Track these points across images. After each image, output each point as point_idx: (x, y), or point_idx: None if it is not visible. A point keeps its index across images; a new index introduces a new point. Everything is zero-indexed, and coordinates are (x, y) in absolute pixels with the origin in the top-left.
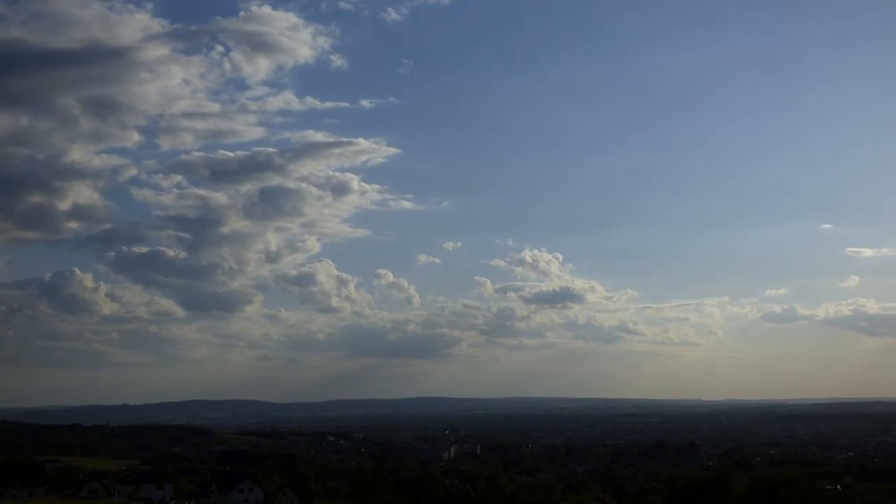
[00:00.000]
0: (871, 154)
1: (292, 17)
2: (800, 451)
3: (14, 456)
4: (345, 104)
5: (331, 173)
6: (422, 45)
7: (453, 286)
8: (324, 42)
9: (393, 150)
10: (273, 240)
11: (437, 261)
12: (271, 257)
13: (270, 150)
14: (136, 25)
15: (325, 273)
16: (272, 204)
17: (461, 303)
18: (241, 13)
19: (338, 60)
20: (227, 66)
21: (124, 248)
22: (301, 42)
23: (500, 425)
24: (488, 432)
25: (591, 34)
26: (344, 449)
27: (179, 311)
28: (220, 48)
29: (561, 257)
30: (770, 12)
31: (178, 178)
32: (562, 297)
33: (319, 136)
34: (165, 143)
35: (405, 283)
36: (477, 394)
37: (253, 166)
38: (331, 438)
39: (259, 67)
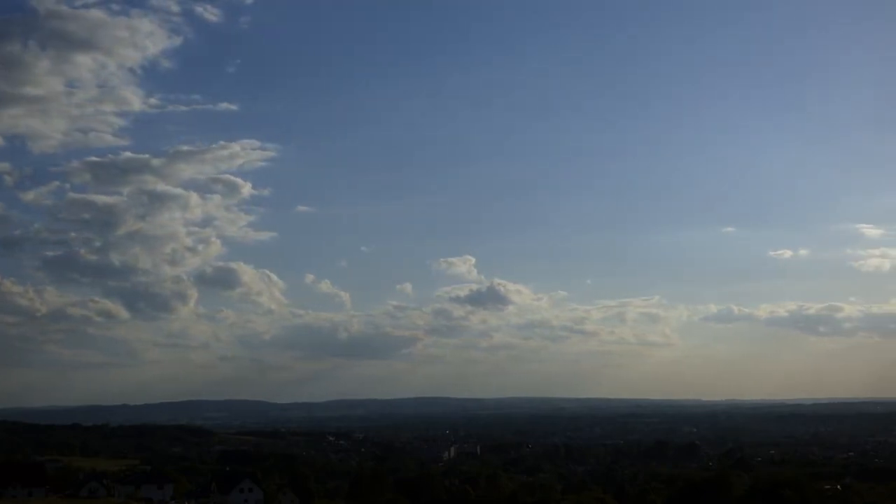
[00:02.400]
0: (769, 156)
1: (97, 13)
2: (800, 451)
3: (14, 456)
4: (203, 106)
5: (215, 176)
6: (248, 45)
7: (379, 288)
8: (147, 42)
9: (269, 153)
10: (180, 241)
11: (357, 263)
12: (182, 258)
13: (145, 155)
14: None
15: (247, 274)
16: (163, 207)
17: (391, 304)
18: (41, 11)
19: (166, 61)
20: (45, 63)
21: (38, 252)
22: (118, 41)
23: (500, 425)
24: (488, 432)
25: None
26: (344, 449)
27: (123, 312)
28: (33, 44)
29: (473, 260)
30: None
31: (58, 183)
32: (491, 299)
33: (186, 139)
34: (35, 147)
35: (330, 285)
36: (476, 394)
37: (132, 170)
38: (331, 438)
39: (82, 67)
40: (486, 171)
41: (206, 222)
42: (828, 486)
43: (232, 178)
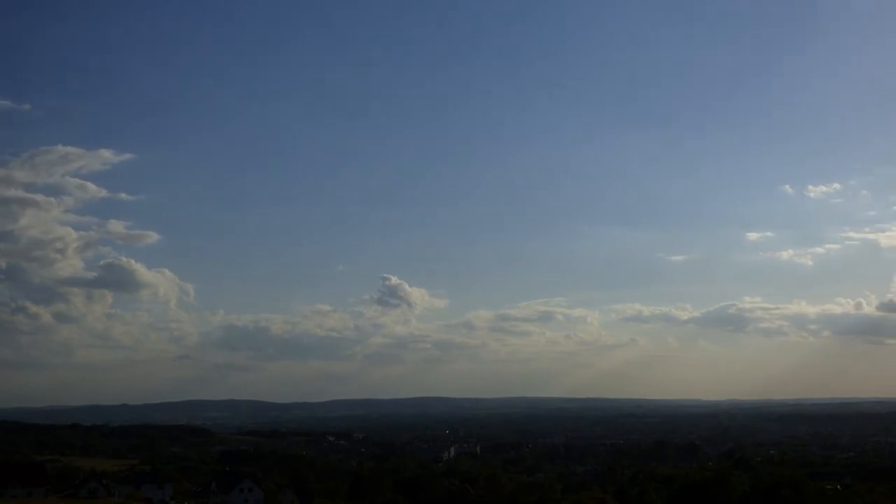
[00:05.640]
0: (650, 161)
1: None
2: (800, 451)
3: (14, 456)
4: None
5: (56, 180)
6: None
7: (277, 290)
8: None
9: (107, 157)
10: (61, 243)
11: (244, 266)
12: (67, 260)
13: None
14: None
15: (144, 274)
16: (21, 210)
17: (302, 305)
18: None
19: None
20: None
21: None
22: None
23: (500, 425)
24: (488, 432)
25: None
26: (344, 449)
27: (45, 314)
28: None
29: (342, 267)
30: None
31: None
32: (399, 301)
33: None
34: None
35: (233, 286)
36: (477, 394)
37: None
38: (331, 438)
39: None
40: (353, 177)
41: (80, 225)
42: (828, 486)
43: (81, 181)
